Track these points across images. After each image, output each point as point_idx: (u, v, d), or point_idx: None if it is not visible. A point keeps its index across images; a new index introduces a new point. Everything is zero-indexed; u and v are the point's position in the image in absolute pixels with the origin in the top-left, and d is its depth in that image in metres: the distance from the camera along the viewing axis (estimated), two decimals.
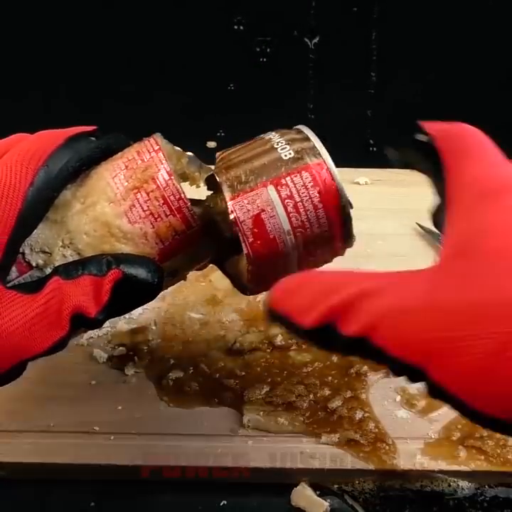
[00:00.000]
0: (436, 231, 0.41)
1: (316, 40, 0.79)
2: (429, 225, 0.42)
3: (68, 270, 0.39)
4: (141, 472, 0.50)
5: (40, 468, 0.50)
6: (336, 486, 0.50)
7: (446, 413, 0.52)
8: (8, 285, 0.40)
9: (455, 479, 0.50)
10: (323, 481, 0.50)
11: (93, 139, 0.44)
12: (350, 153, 0.73)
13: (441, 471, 0.49)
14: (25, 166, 0.40)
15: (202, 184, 0.45)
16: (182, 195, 0.41)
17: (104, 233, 0.41)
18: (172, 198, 0.41)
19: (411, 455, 0.50)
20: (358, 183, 0.69)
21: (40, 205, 0.41)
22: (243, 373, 0.55)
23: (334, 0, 0.78)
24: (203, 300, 0.59)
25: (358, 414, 0.52)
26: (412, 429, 0.52)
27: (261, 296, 0.59)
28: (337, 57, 0.78)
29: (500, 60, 0.79)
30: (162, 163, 0.41)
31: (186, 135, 0.76)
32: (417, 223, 0.64)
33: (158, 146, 0.42)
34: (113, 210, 0.41)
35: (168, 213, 0.41)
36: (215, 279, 0.60)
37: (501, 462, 0.50)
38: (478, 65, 0.78)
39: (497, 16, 0.79)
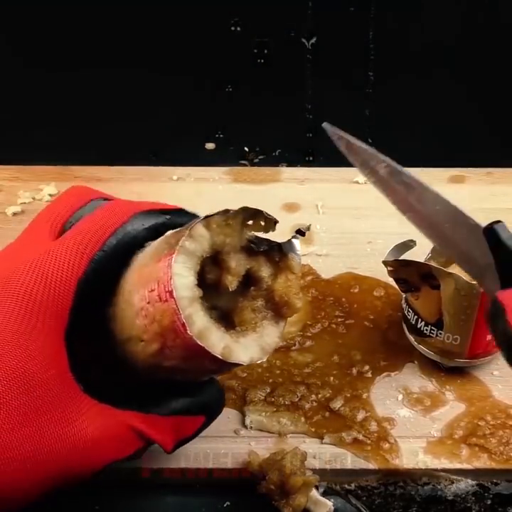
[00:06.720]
0: None
1: (313, 40, 0.79)
2: None
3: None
4: (143, 474, 0.50)
5: None
6: (339, 485, 0.50)
7: (448, 411, 0.53)
8: None
9: (458, 477, 0.50)
10: (326, 481, 0.50)
11: (166, 216, 0.42)
12: None
13: (444, 470, 0.50)
14: (81, 251, 0.39)
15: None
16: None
17: None
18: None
19: (414, 454, 0.50)
20: (357, 182, 0.69)
21: (92, 293, 0.39)
22: (245, 374, 0.54)
23: (331, 0, 0.78)
24: None
25: (360, 414, 0.52)
26: (415, 427, 0.52)
27: None
28: (334, 57, 0.78)
29: (500, 59, 0.79)
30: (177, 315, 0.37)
31: (185, 137, 0.76)
32: None
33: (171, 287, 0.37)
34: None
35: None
36: None
37: (504, 459, 0.50)
38: (477, 63, 0.78)
39: (496, 13, 0.79)
